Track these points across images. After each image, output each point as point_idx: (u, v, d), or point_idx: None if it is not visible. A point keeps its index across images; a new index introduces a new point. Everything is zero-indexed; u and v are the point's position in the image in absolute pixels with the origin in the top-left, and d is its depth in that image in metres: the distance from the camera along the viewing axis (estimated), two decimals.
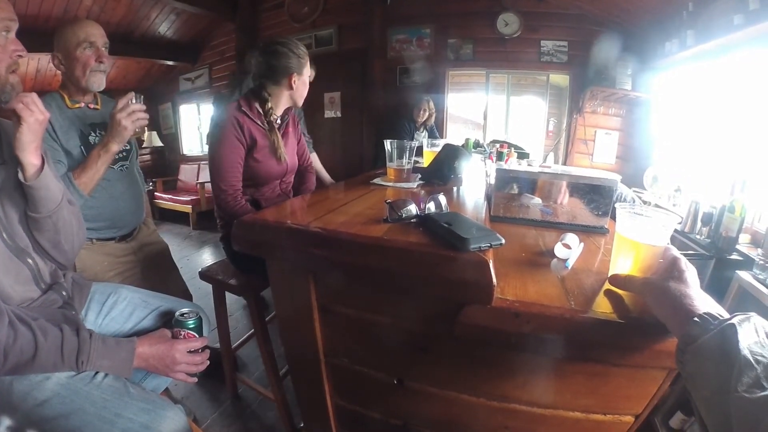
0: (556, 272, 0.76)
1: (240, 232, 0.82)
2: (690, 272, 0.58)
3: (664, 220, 0.65)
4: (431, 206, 0.76)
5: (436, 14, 3.93)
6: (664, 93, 3.34)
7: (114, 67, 5.11)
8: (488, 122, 4.16)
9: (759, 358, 0.41)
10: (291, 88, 1.43)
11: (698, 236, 2.11)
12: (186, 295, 1.71)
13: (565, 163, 3.70)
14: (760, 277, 1.55)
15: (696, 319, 0.49)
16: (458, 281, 0.58)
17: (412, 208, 0.73)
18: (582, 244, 0.87)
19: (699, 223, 2.14)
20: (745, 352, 0.42)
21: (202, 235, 4.73)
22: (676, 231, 2.34)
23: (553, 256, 0.83)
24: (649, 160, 3.40)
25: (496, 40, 3.79)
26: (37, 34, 3.76)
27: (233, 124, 1.34)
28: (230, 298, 1.61)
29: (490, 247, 0.60)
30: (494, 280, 0.57)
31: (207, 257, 3.95)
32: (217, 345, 1.72)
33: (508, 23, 3.68)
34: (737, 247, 1.88)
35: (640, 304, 0.64)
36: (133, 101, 1.21)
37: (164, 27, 4.96)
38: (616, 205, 0.71)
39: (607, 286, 0.70)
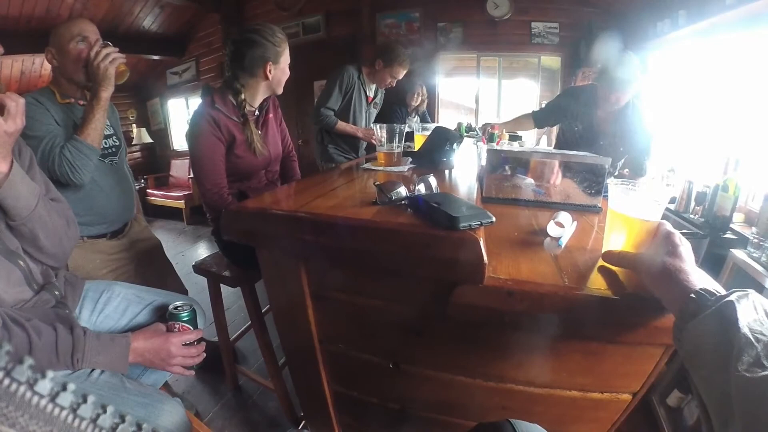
0: (550, 251, 0.76)
1: (228, 222, 0.81)
2: (684, 246, 0.57)
3: (657, 195, 0.64)
4: (421, 188, 0.75)
5: None
6: (656, 73, 3.32)
7: None
8: (480, 106, 4.12)
9: (759, 336, 0.40)
10: (267, 78, 1.37)
11: (692, 215, 2.13)
12: (181, 289, 1.70)
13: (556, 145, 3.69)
14: (754, 255, 1.57)
15: (693, 295, 0.48)
16: (449, 260, 0.57)
17: (402, 190, 0.72)
18: (575, 222, 0.87)
19: (693, 203, 2.16)
20: (745, 330, 0.41)
21: (196, 230, 4.70)
22: (670, 210, 2.35)
23: (546, 235, 0.82)
24: None
25: (487, 22, 3.73)
26: (20, 36, 3.70)
27: (210, 123, 1.31)
28: (227, 291, 1.60)
29: (481, 225, 0.59)
30: (485, 258, 0.56)
31: (202, 251, 3.94)
32: (216, 338, 1.72)
33: (498, 5, 3.63)
34: (731, 225, 1.90)
35: (634, 281, 0.63)
36: (102, 46, 1.29)
37: (149, 21, 4.85)
38: (609, 180, 0.70)
39: (600, 263, 0.70)
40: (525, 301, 0.58)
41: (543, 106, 2.37)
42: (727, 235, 1.86)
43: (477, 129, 2.69)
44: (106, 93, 1.27)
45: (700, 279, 0.52)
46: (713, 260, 1.79)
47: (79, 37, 1.30)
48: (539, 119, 2.23)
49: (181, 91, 5.69)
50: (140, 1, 4.40)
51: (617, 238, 0.69)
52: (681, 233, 1.87)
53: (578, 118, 2.02)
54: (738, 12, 2.17)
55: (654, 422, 1.48)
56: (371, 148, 2.47)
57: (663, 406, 1.46)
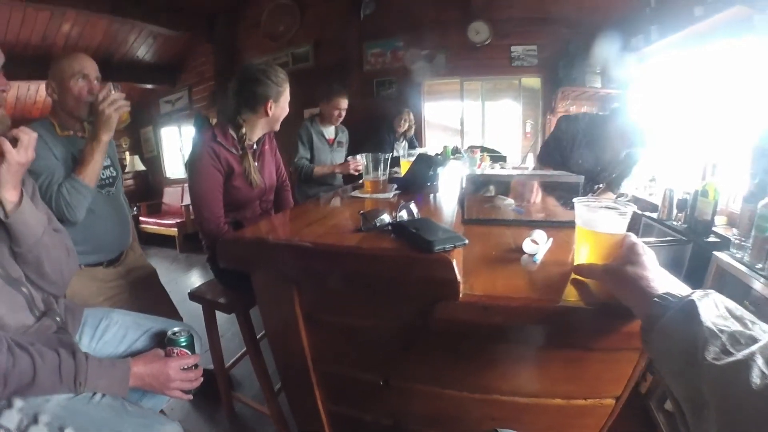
0: (525, 267, 0.81)
1: (225, 250, 0.85)
2: (647, 255, 0.60)
3: (620, 209, 0.68)
4: (403, 214, 0.81)
5: (409, 26, 4.03)
6: (633, 86, 3.44)
7: None
8: (465, 128, 4.26)
9: (722, 328, 0.43)
10: (267, 114, 1.45)
11: (675, 222, 2.15)
12: (175, 317, 1.72)
13: None
14: (737, 256, 1.58)
15: (656, 299, 0.50)
16: (427, 280, 0.63)
17: (386, 217, 0.78)
18: (551, 239, 0.91)
19: (675, 210, 2.19)
20: (708, 323, 0.43)
21: (189, 257, 4.70)
22: (653, 219, 2.41)
23: (523, 252, 0.88)
24: None
25: (468, 48, 3.90)
26: (16, 63, 3.79)
27: (210, 155, 1.38)
28: (222, 318, 1.63)
29: (454, 247, 0.65)
30: (458, 276, 0.62)
31: (196, 279, 3.93)
32: (212, 366, 1.72)
33: (479, 31, 3.80)
34: (714, 229, 1.92)
35: (605, 291, 0.66)
36: (112, 90, 1.30)
37: (142, 50, 4.98)
38: (574, 200, 0.75)
39: (574, 275, 0.74)
40: (500, 315, 0.63)
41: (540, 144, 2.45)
42: (710, 239, 1.87)
43: (463, 152, 2.79)
44: (107, 137, 1.31)
45: (662, 284, 0.55)
46: (698, 264, 1.80)
47: (80, 74, 1.34)
48: (543, 160, 2.27)
49: (174, 119, 5.78)
50: (134, 31, 4.53)
51: (586, 253, 0.73)
52: (665, 240, 1.90)
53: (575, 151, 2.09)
54: (707, 23, 2.27)
55: (653, 428, 1.51)
56: (349, 179, 2.63)
57: (662, 412, 1.49)
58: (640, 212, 2.51)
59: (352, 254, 0.69)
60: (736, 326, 0.43)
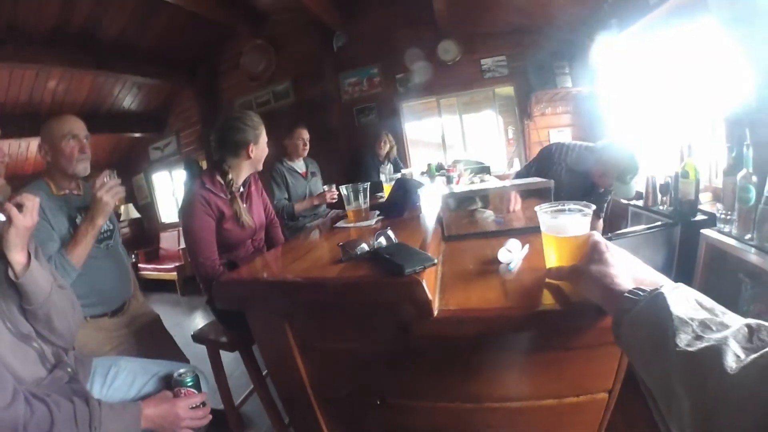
0: (501, 276, 0.85)
1: (219, 292, 0.90)
2: (609, 252, 0.62)
3: (582, 210, 0.71)
4: (382, 241, 0.86)
5: (381, 53, 4.19)
6: (604, 81, 3.55)
7: None
8: (447, 144, 4.37)
9: (693, 316, 0.43)
10: (249, 157, 1.55)
11: (661, 207, 2.21)
12: (182, 359, 1.74)
13: None
14: (725, 230, 1.61)
15: (627, 294, 0.51)
16: (402, 301, 0.68)
17: (364, 246, 0.84)
18: (527, 246, 0.95)
19: (659, 195, 2.24)
20: (678, 313, 0.43)
21: (191, 300, 4.69)
22: (640, 207, 2.45)
23: (500, 262, 0.92)
24: None
25: (440, 67, 4.04)
26: (5, 121, 3.89)
27: (201, 202, 1.46)
28: (228, 358, 1.65)
29: (424, 268, 0.70)
30: (429, 295, 0.67)
31: (199, 321, 3.93)
32: (222, 406, 1.74)
33: (448, 50, 3.95)
34: (700, 207, 1.97)
35: (576, 290, 0.69)
36: (108, 178, 1.34)
37: (128, 101, 5.10)
38: (536, 208, 0.78)
39: (547, 279, 0.77)
40: (474, 326, 0.68)
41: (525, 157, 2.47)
42: (697, 218, 1.92)
43: (436, 170, 2.86)
44: (102, 221, 1.36)
45: (627, 279, 0.56)
46: (689, 244, 1.83)
47: (70, 135, 1.41)
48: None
49: (164, 164, 5.87)
50: (119, 83, 4.64)
51: (554, 256, 0.77)
52: (654, 226, 1.91)
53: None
54: (661, 10, 2.35)
55: (650, 415, 1.51)
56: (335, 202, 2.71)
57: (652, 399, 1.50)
58: (626, 202, 2.55)
59: (332, 285, 0.74)
60: (707, 315, 0.43)
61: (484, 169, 2.45)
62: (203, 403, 1.08)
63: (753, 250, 1.40)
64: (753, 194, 1.44)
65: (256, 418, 2.07)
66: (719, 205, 1.77)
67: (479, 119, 4.34)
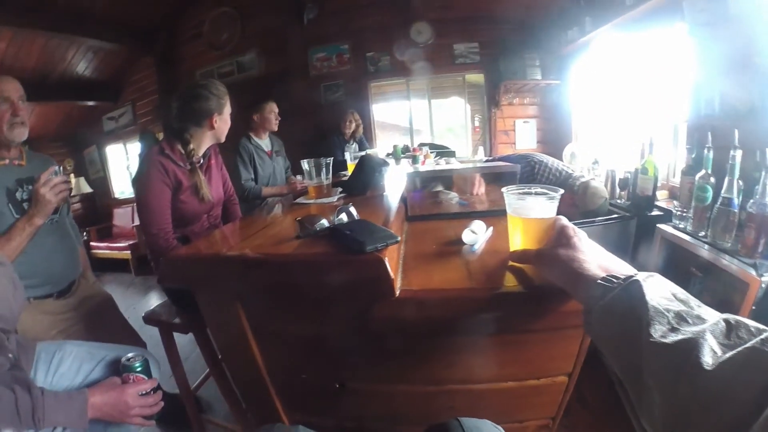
0: (464, 258, 0.83)
1: (165, 270, 0.84)
2: (578, 237, 0.61)
3: (549, 194, 0.70)
4: (343, 217, 0.82)
5: (353, 30, 4.06)
6: (572, 76, 3.64)
7: (32, 114, 4.80)
8: (414, 127, 4.33)
9: (668, 306, 0.41)
10: (213, 127, 1.48)
11: (619, 200, 2.30)
12: (138, 343, 1.66)
13: (490, 154, 3.93)
14: (680, 226, 1.70)
15: (600, 281, 0.49)
16: (361, 281, 0.64)
17: (324, 222, 0.79)
18: (491, 228, 0.94)
19: (618, 189, 2.33)
20: (653, 302, 0.42)
21: (145, 280, 4.48)
22: None
23: (464, 243, 0.91)
24: (568, 138, 3.68)
25: (412, 48, 3.93)
26: None
27: (158, 169, 1.37)
28: (185, 339, 1.58)
29: (386, 245, 0.67)
30: (391, 274, 0.64)
31: (154, 302, 3.76)
32: (177, 390, 1.66)
33: (421, 32, 3.88)
34: (656, 203, 2.06)
35: (540, 274, 0.68)
36: (54, 175, 1.26)
37: (82, 66, 4.73)
38: (503, 189, 0.76)
39: (510, 262, 0.76)
40: (435, 308, 0.66)
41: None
42: (653, 213, 2.01)
43: (400, 151, 2.84)
44: (41, 221, 1.28)
45: (595, 266, 0.54)
46: (643, 237, 1.92)
47: (1, 97, 1.28)
48: None
49: (118, 136, 5.53)
50: (72, 47, 4.31)
51: (518, 239, 0.75)
52: (611, 218, 1.99)
53: None
54: (638, 11, 2.40)
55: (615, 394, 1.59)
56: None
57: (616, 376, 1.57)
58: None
59: (286, 262, 0.69)
60: (682, 307, 0.42)
61: (449, 153, 2.44)
62: (154, 390, 1.04)
63: (706, 246, 1.49)
64: (710, 194, 1.53)
65: (214, 402, 2.01)
66: (676, 203, 1.85)
67: (447, 105, 4.33)
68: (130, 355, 1.04)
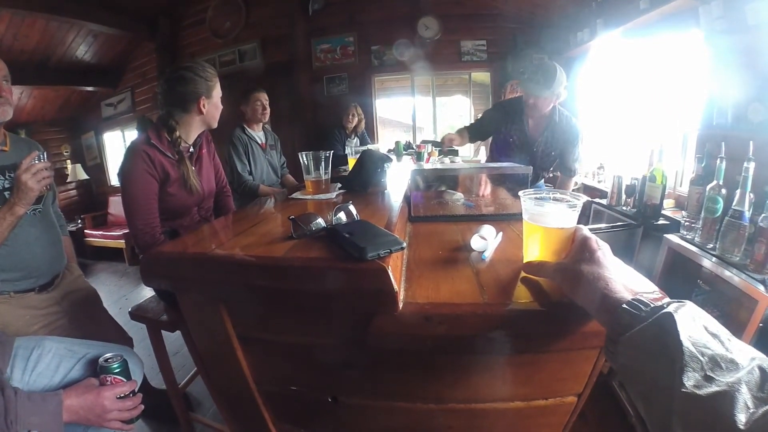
0: (473, 266, 0.76)
1: (147, 268, 0.77)
2: (602, 251, 0.56)
3: (570, 201, 0.64)
4: (341, 216, 0.75)
5: (358, 22, 3.99)
6: (580, 79, 3.55)
7: (30, 98, 4.73)
8: (417, 124, 4.26)
9: (702, 349, 0.38)
10: (201, 112, 1.38)
11: (624, 207, 2.23)
12: (123, 339, 1.61)
13: None
14: (687, 237, 1.65)
15: (625, 306, 0.45)
16: (360, 292, 0.57)
17: (320, 222, 0.72)
18: (500, 234, 0.88)
19: (624, 195, 2.26)
20: (687, 343, 0.38)
21: (139, 270, 4.42)
22: (603, 206, 2.50)
23: (472, 250, 0.84)
24: None
25: (419, 43, 3.88)
26: None
27: (143, 159, 1.28)
28: (174, 335, 1.52)
29: (390, 253, 0.59)
30: (395, 286, 0.56)
31: (147, 293, 3.68)
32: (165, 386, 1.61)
33: (428, 27, 3.80)
34: (663, 212, 2.00)
35: (559, 289, 0.62)
36: (37, 160, 1.18)
37: (81, 50, 4.64)
38: (520, 193, 0.69)
39: (524, 274, 0.69)
40: (443, 324, 0.58)
41: (475, 120, 2.47)
42: (660, 222, 1.95)
43: (415, 147, 2.77)
44: (22, 210, 1.20)
45: (622, 285, 0.50)
46: (649, 246, 1.86)
47: None
48: (473, 134, 2.32)
49: (117, 123, 5.46)
50: (73, 30, 4.23)
51: (535, 249, 0.68)
52: (616, 225, 1.93)
53: (511, 129, 2.11)
54: (651, 15, 2.35)
55: (617, 406, 1.54)
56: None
57: (624, 390, 1.52)
58: (589, 199, 2.59)
59: (274, 267, 0.61)
60: (714, 345, 0.39)
61: (453, 152, 2.37)
62: (133, 392, 0.98)
63: (714, 259, 1.44)
64: (720, 206, 1.49)
65: (203, 399, 1.96)
66: (684, 213, 1.81)
67: (452, 103, 4.26)
68: (108, 355, 0.99)
